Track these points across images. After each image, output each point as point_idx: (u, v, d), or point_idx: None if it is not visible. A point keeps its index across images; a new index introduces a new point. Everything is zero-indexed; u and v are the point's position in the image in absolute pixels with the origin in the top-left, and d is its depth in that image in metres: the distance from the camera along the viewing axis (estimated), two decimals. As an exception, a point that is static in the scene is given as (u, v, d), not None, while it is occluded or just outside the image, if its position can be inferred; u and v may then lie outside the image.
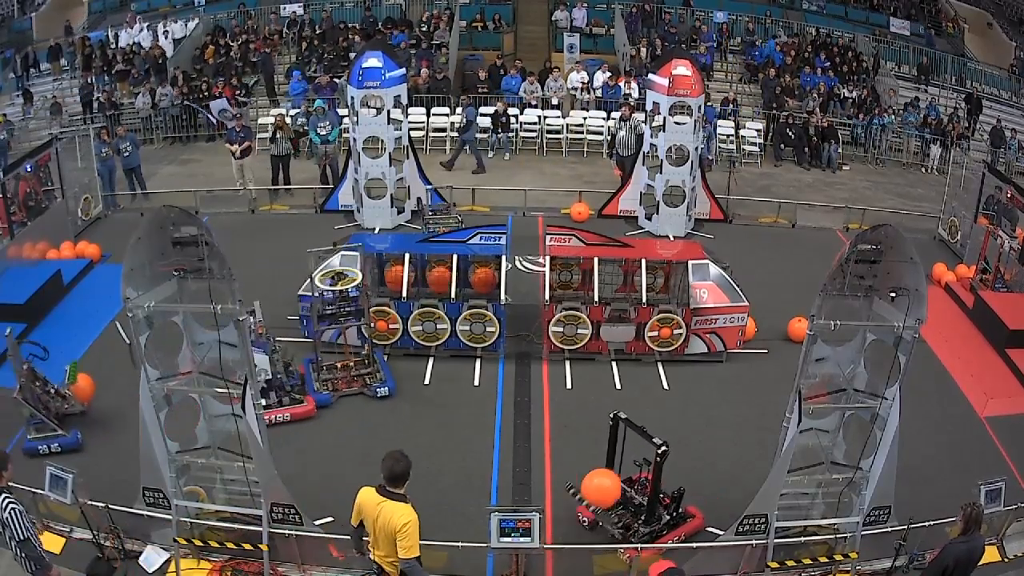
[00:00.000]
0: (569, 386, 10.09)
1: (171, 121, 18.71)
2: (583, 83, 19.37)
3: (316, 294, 9.48)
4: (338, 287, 9.45)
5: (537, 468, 8.63)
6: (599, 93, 19.27)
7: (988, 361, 10.79)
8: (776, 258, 13.43)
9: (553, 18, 22.78)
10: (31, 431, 8.56)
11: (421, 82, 18.75)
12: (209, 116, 18.23)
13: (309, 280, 9.62)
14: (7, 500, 5.90)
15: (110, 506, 7.19)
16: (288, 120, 16.90)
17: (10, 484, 6.12)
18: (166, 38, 21.52)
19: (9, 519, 5.85)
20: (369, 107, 13.42)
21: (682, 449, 8.88)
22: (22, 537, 5.91)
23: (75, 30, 22.68)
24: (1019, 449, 9.01)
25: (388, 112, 13.38)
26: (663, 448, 7.23)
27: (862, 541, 7.19)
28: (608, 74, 19.53)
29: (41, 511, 7.39)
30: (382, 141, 13.49)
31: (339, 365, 9.79)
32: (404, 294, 10.29)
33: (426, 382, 10.08)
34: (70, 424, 8.78)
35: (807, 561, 7.27)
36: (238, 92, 18.92)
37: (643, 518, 7.48)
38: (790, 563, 7.24)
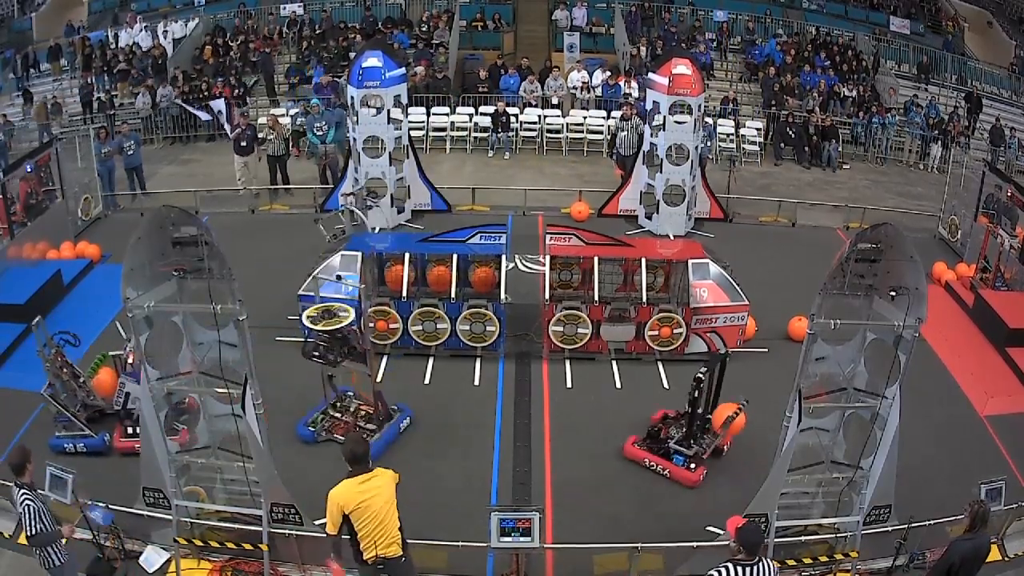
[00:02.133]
0: (569, 386, 10.09)
1: (171, 121, 18.72)
2: (583, 82, 19.37)
3: (305, 333, 8.60)
4: (320, 327, 8.23)
5: (537, 468, 8.63)
6: (599, 92, 19.27)
7: (988, 360, 10.79)
8: (776, 257, 13.43)
9: (553, 17, 22.77)
10: (59, 428, 8.56)
11: (418, 80, 18.74)
12: (200, 116, 18.21)
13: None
14: (24, 496, 6.01)
15: (110, 506, 7.20)
16: (287, 120, 16.91)
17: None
18: (165, 38, 21.53)
19: (22, 514, 5.99)
20: (369, 107, 13.42)
21: (682, 448, 8.89)
22: (30, 533, 6.03)
23: (76, 30, 22.67)
24: (1019, 448, 9.01)
25: (388, 112, 13.38)
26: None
27: (862, 540, 7.19)
28: (608, 73, 19.52)
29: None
30: (382, 141, 13.49)
31: (350, 408, 9.15)
32: (404, 294, 10.29)
33: (426, 382, 10.08)
34: (101, 427, 8.73)
35: (807, 561, 7.28)
36: (237, 91, 18.91)
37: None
38: (790, 563, 7.25)
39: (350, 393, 9.26)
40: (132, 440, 8.33)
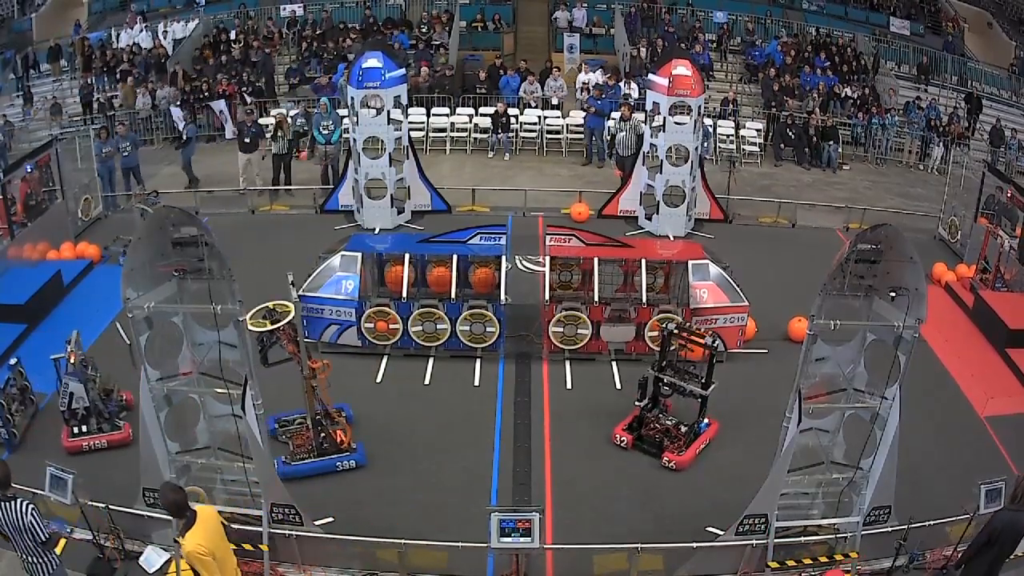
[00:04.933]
0: (569, 386, 10.09)
1: (171, 121, 18.67)
2: (584, 83, 19.37)
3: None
4: (248, 324, 7.22)
5: (537, 468, 8.63)
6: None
7: (988, 361, 10.80)
8: (776, 258, 13.42)
9: (553, 18, 22.78)
10: None
11: (421, 81, 18.74)
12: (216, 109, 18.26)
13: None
14: (27, 503, 5.97)
15: (110, 506, 7.19)
16: (288, 120, 16.92)
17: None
18: (166, 38, 21.53)
19: (32, 523, 5.93)
20: (369, 107, 13.42)
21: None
22: (45, 538, 6.03)
23: (76, 30, 22.67)
24: (1019, 449, 9.01)
25: (388, 112, 13.38)
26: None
27: (862, 541, 7.20)
28: (607, 75, 19.51)
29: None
30: (382, 141, 13.49)
31: (323, 427, 8.57)
32: (404, 294, 10.29)
33: (426, 382, 10.08)
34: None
35: (807, 561, 7.28)
36: (244, 90, 18.89)
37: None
38: (790, 563, 7.25)
39: (344, 415, 8.82)
40: (79, 439, 8.51)
